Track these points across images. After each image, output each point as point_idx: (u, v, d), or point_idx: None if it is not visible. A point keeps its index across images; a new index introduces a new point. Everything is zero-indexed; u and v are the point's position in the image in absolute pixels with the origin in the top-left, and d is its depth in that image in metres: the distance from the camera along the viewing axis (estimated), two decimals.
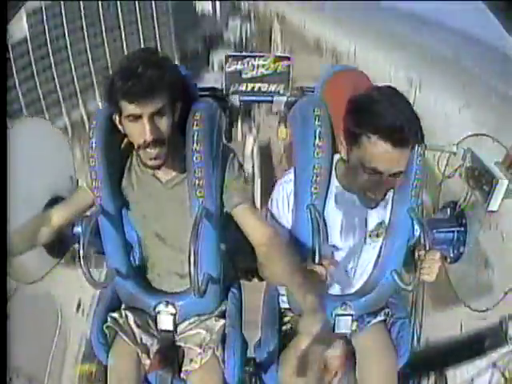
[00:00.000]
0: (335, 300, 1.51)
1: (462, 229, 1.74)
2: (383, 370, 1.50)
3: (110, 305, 1.57)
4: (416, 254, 1.44)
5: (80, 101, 32.76)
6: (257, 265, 1.45)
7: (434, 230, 1.72)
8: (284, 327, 1.59)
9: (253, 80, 1.95)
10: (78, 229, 1.69)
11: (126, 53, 1.36)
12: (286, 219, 1.46)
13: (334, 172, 1.42)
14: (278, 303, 1.63)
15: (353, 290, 1.55)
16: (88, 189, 1.44)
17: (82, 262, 1.33)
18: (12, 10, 1.01)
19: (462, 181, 1.75)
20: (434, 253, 1.34)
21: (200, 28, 37.60)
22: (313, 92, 1.58)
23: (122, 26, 35.04)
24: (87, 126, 1.45)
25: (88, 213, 1.49)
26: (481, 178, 1.62)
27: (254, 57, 1.95)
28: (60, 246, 1.71)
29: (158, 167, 1.32)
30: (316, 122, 1.38)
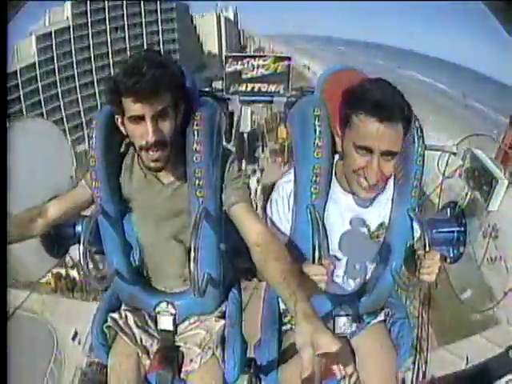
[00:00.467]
0: (335, 300, 1.52)
1: (462, 229, 1.74)
2: (383, 370, 1.50)
3: (110, 305, 1.57)
4: (416, 255, 1.44)
5: (85, 133, 32.89)
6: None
7: (434, 230, 1.72)
8: (284, 327, 1.59)
9: (253, 80, 1.95)
10: (78, 229, 1.69)
11: None
12: (286, 219, 1.45)
13: (334, 172, 1.42)
14: (278, 303, 1.63)
15: (353, 290, 1.55)
16: (87, 185, 1.44)
17: (82, 262, 1.34)
18: (12, 10, 1.01)
19: (462, 181, 1.75)
20: (433, 253, 1.33)
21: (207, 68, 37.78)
22: (313, 92, 1.58)
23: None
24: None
25: (88, 213, 1.49)
26: (481, 178, 1.63)
27: (254, 57, 1.95)
28: (60, 245, 1.71)
29: (160, 169, 1.31)
30: (316, 122, 1.38)
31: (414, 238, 1.49)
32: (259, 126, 30.99)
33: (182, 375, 1.49)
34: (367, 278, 1.54)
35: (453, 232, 1.74)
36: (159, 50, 1.30)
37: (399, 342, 1.56)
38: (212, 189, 1.37)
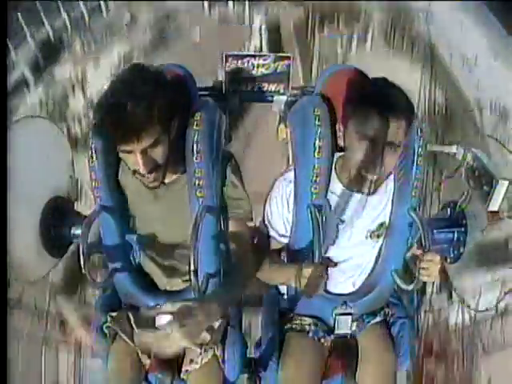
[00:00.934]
0: (335, 299, 1.52)
1: (462, 229, 1.74)
2: (383, 369, 1.50)
3: (110, 304, 1.57)
4: (415, 255, 1.44)
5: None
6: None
7: (434, 230, 1.72)
8: (284, 327, 1.59)
9: (253, 79, 1.95)
10: (78, 228, 1.69)
11: None
12: (286, 219, 1.45)
13: (334, 171, 1.42)
14: (278, 303, 1.63)
15: (353, 290, 1.55)
16: None
17: (82, 262, 1.34)
18: (12, 9, 1.00)
19: (462, 181, 1.75)
20: (432, 255, 1.33)
21: None
22: (313, 92, 1.58)
23: None
24: None
25: (88, 213, 1.49)
26: (481, 178, 1.62)
27: (254, 56, 1.95)
28: (60, 245, 1.71)
29: (158, 186, 1.33)
30: (316, 122, 1.38)
31: (414, 238, 1.49)
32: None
33: (182, 375, 1.49)
34: (367, 277, 1.54)
35: (453, 232, 1.74)
36: (147, 66, 1.25)
37: (399, 341, 1.56)
38: (212, 189, 1.37)
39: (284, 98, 1.96)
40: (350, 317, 1.52)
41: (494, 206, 1.57)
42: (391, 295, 1.62)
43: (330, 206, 1.41)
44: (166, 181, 1.39)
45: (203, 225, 1.32)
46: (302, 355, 1.49)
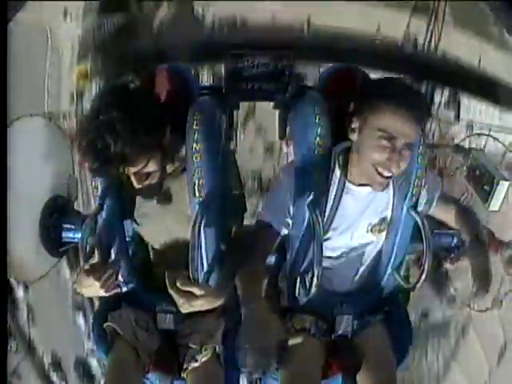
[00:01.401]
0: (335, 298, 1.52)
1: None
2: (383, 369, 1.50)
3: (110, 304, 1.57)
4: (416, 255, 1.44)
5: None
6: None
7: (435, 230, 1.72)
8: (284, 326, 1.59)
9: (253, 78, 1.94)
10: (78, 228, 1.68)
11: None
12: (287, 207, 1.43)
13: (338, 167, 1.41)
14: (279, 302, 1.63)
15: (353, 289, 1.55)
16: None
17: (82, 262, 1.34)
18: (12, 10, 1.01)
19: (463, 180, 1.75)
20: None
21: None
22: (313, 91, 1.57)
23: None
24: None
25: (88, 212, 1.49)
26: (482, 178, 1.62)
27: (255, 55, 1.94)
28: (60, 245, 1.71)
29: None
30: (316, 121, 1.38)
31: (414, 237, 1.49)
32: None
33: (182, 374, 1.49)
34: (367, 276, 1.54)
35: (453, 232, 1.74)
36: (126, 87, 1.28)
37: (399, 340, 1.56)
38: (212, 188, 1.37)
39: (284, 97, 1.95)
40: (350, 316, 1.52)
41: (494, 206, 1.57)
42: (391, 294, 1.62)
43: (329, 202, 1.41)
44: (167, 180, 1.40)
45: (203, 224, 1.32)
46: (302, 354, 1.49)
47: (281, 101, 1.78)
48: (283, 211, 1.42)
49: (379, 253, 1.51)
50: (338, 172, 1.41)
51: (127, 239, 1.48)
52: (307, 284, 1.41)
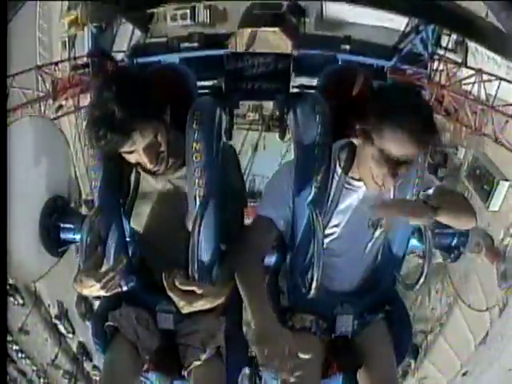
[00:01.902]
0: (336, 298, 1.52)
1: (463, 229, 1.74)
2: (383, 368, 1.50)
3: (111, 303, 1.57)
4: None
5: None
6: None
7: (435, 230, 1.72)
8: (285, 324, 1.59)
9: (253, 78, 1.94)
10: (78, 228, 1.68)
11: None
12: (287, 203, 1.43)
13: (337, 163, 1.41)
14: (279, 302, 1.63)
15: (354, 289, 1.55)
16: None
17: (82, 262, 1.34)
18: (12, 10, 1.00)
19: (463, 180, 1.75)
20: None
21: None
22: (313, 90, 1.57)
23: None
24: None
25: (88, 212, 1.49)
26: (481, 178, 1.62)
27: (255, 55, 1.94)
28: (60, 245, 1.71)
29: (162, 173, 1.36)
30: (317, 120, 1.38)
31: (414, 237, 1.49)
32: None
33: (183, 373, 1.48)
34: (368, 276, 1.54)
35: (453, 232, 1.74)
36: (131, 69, 1.31)
37: (399, 339, 1.56)
38: (212, 188, 1.37)
39: (284, 96, 1.96)
40: (350, 316, 1.52)
41: (494, 206, 1.57)
42: (391, 293, 1.62)
43: (329, 200, 1.41)
44: (169, 178, 1.40)
45: (203, 224, 1.32)
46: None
47: (281, 101, 1.77)
48: (283, 206, 1.42)
49: (379, 252, 1.51)
50: (338, 169, 1.41)
51: (127, 239, 1.48)
52: (307, 283, 1.41)
